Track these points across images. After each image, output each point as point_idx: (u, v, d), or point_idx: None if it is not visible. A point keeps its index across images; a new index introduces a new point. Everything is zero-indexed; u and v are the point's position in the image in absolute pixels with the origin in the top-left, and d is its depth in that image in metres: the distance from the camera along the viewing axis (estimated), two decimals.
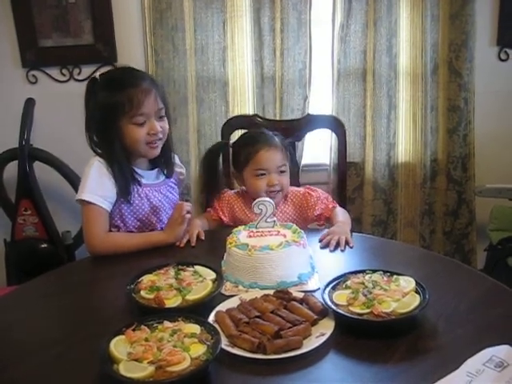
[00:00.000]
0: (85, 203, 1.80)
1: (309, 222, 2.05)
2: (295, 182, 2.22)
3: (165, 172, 1.99)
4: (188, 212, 1.81)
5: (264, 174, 1.96)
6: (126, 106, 1.78)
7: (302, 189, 2.08)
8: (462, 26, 2.77)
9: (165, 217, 1.95)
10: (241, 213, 2.04)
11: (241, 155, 2.02)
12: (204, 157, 2.14)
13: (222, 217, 2.05)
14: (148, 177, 1.94)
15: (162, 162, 1.98)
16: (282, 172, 1.98)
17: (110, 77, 1.91)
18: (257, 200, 1.64)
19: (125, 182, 1.85)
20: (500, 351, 1.11)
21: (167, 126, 1.89)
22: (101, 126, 1.84)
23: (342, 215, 1.98)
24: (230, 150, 2.13)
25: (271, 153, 1.97)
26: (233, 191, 2.14)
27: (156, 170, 1.97)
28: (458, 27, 2.77)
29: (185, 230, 1.84)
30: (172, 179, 2.03)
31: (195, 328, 1.19)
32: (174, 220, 1.81)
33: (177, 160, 2.07)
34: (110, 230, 1.89)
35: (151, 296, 1.37)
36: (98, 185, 1.81)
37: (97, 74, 1.89)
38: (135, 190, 1.88)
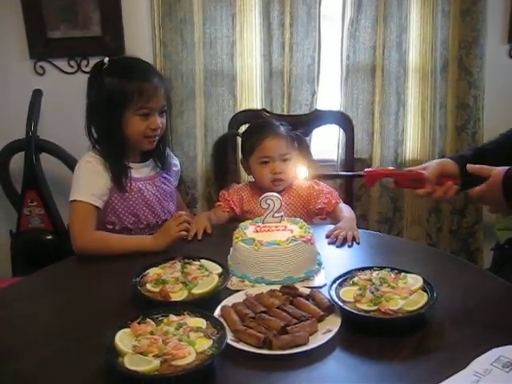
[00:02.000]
0: (74, 202, 1.80)
1: (312, 215, 2.06)
2: None
3: (159, 165, 1.99)
4: (186, 221, 1.77)
5: (268, 162, 2.01)
6: (136, 98, 1.79)
7: (308, 182, 2.08)
8: (472, 23, 2.74)
9: (160, 211, 1.95)
10: (249, 204, 2.06)
11: (247, 144, 2.09)
12: (213, 147, 2.22)
13: (234, 207, 2.07)
14: (140, 170, 1.94)
15: (156, 155, 1.98)
16: (286, 160, 2.02)
17: (121, 64, 1.90)
18: (264, 195, 1.64)
19: (119, 174, 1.85)
20: (508, 351, 1.11)
21: (165, 122, 1.91)
22: (104, 111, 1.83)
23: (347, 211, 1.98)
24: (239, 139, 2.20)
25: (276, 141, 2.02)
26: (240, 184, 2.18)
27: (148, 162, 1.98)
28: (469, 24, 2.74)
29: (192, 223, 1.83)
30: (166, 171, 2.04)
31: (201, 322, 1.18)
32: (168, 228, 1.75)
33: (171, 154, 2.09)
34: (106, 227, 1.88)
35: (157, 289, 1.37)
36: (88, 184, 1.81)
37: (105, 59, 1.87)
38: (128, 183, 1.88)
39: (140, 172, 1.93)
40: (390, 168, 1.90)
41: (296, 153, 2.08)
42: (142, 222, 1.91)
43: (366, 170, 1.62)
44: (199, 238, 1.80)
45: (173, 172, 2.09)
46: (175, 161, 2.13)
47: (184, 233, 1.76)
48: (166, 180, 2.01)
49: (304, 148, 2.18)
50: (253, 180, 2.15)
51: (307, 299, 1.33)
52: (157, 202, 1.94)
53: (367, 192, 2.95)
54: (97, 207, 1.81)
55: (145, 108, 1.82)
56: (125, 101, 1.80)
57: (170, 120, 1.99)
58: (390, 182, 1.68)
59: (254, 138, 2.05)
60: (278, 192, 1.87)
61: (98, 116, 1.85)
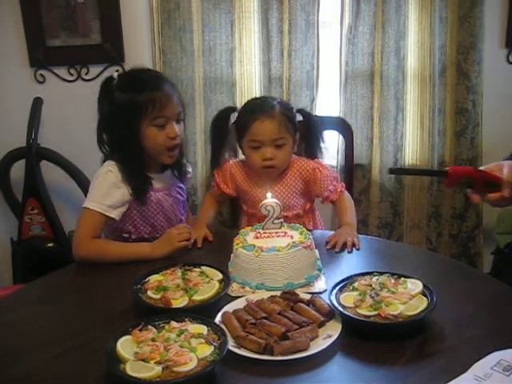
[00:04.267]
0: (85, 209, 1.77)
1: (314, 196, 2.02)
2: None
3: (177, 175, 1.97)
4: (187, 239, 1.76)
5: (259, 147, 1.88)
6: (149, 108, 1.76)
7: (311, 162, 1.98)
8: (470, 28, 2.75)
9: (175, 220, 1.93)
10: (243, 184, 2.00)
11: (239, 123, 1.96)
12: (212, 123, 2.04)
13: (225, 189, 2.02)
14: (159, 180, 1.90)
15: (175, 165, 1.95)
16: (279, 146, 1.88)
17: (130, 77, 1.87)
18: (264, 201, 1.64)
19: (141, 185, 1.82)
20: (508, 355, 1.11)
21: (183, 131, 1.88)
22: (119, 127, 1.80)
23: (349, 212, 1.94)
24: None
25: (267, 124, 1.86)
26: (236, 160, 2.09)
27: (166, 172, 1.95)
28: (467, 29, 2.75)
29: (192, 231, 1.84)
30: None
31: (202, 328, 1.19)
32: (170, 237, 1.74)
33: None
34: (122, 236, 1.88)
35: (158, 296, 1.37)
36: (104, 194, 1.78)
37: (114, 74, 1.85)
38: (148, 196, 1.85)
39: (160, 182, 1.90)
40: (471, 168, 1.72)
41: (296, 136, 1.95)
42: (158, 232, 1.88)
43: (449, 167, 1.52)
44: (199, 245, 1.80)
45: (187, 180, 2.07)
46: (189, 168, 2.09)
47: (186, 243, 1.75)
48: (180, 189, 1.99)
49: (312, 126, 2.01)
50: (243, 159, 2.05)
51: (308, 305, 1.33)
52: (173, 212, 1.93)
53: (367, 197, 2.96)
54: (111, 218, 1.78)
55: (160, 117, 1.78)
56: (138, 113, 1.76)
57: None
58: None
59: (246, 118, 1.91)
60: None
61: (113, 130, 1.83)
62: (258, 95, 2.81)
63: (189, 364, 1.07)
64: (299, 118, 2.01)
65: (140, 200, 1.82)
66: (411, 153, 2.95)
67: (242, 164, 2.04)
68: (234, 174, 2.02)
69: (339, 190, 1.97)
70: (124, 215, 1.84)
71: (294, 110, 1.99)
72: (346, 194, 2.00)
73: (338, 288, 1.36)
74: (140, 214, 1.87)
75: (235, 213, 2.31)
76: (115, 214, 1.79)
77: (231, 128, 2.05)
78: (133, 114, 1.76)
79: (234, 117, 2.04)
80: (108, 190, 1.78)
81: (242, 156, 2.10)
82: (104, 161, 1.86)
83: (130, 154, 1.81)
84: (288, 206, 1.96)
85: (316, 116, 2.07)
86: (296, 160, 1.99)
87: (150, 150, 1.83)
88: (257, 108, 1.92)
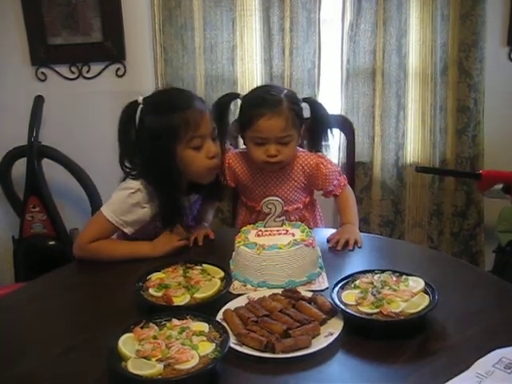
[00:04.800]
0: (100, 212, 1.73)
1: (315, 189, 2.00)
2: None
3: (214, 197, 1.93)
4: (187, 238, 1.76)
5: (263, 144, 1.83)
6: (182, 130, 1.66)
7: (314, 156, 1.95)
8: (472, 26, 2.75)
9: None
10: (243, 176, 1.98)
11: (243, 116, 1.87)
12: (212, 109, 1.86)
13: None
14: (184, 201, 1.84)
15: (209, 187, 1.84)
16: (284, 143, 1.83)
17: (158, 100, 1.76)
18: (265, 199, 1.64)
19: (172, 215, 1.75)
20: (510, 353, 1.11)
21: (219, 149, 1.76)
22: (153, 153, 1.68)
23: (351, 209, 1.93)
24: (239, 104, 1.96)
25: (273, 122, 1.79)
26: (236, 151, 2.04)
27: (193, 195, 1.88)
28: (469, 27, 2.75)
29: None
30: None
31: (203, 326, 1.19)
32: (170, 236, 1.73)
33: None
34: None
35: (160, 294, 1.37)
36: (126, 211, 1.71)
37: (139, 98, 1.73)
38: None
39: (186, 201, 1.84)
40: (508, 172, 1.55)
41: (301, 129, 1.89)
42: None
43: (482, 170, 1.42)
44: (200, 243, 1.79)
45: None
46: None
47: (185, 241, 1.75)
48: (197, 204, 1.97)
49: (319, 119, 1.93)
50: (244, 150, 1.99)
51: (309, 302, 1.33)
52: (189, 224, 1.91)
53: (368, 195, 2.96)
54: (124, 232, 1.75)
55: (195, 137, 1.68)
56: (173, 136, 1.66)
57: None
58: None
59: (251, 112, 1.82)
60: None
61: (146, 157, 1.71)
62: None
63: (190, 361, 1.07)
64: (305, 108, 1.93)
65: (165, 224, 1.76)
66: (413, 151, 2.94)
67: (242, 155, 1.98)
68: (233, 165, 1.98)
69: (343, 184, 1.96)
70: (140, 228, 1.79)
71: (301, 101, 1.91)
72: (349, 188, 1.99)
73: (339, 286, 1.36)
74: (154, 230, 1.81)
75: (236, 210, 2.31)
76: (129, 230, 1.75)
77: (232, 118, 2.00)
78: (167, 137, 1.66)
79: (234, 104, 1.98)
80: (130, 208, 1.72)
81: (241, 146, 2.05)
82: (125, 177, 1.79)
83: (167, 178, 1.70)
84: (290, 200, 1.95)
85: (324, 108, 1.97)
86: (299, 154, 1.95)
87: (191, 173, 1.75)
88: (263, 103, 1.82)
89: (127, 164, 1.77)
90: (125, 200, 1.73)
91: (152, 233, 1.79)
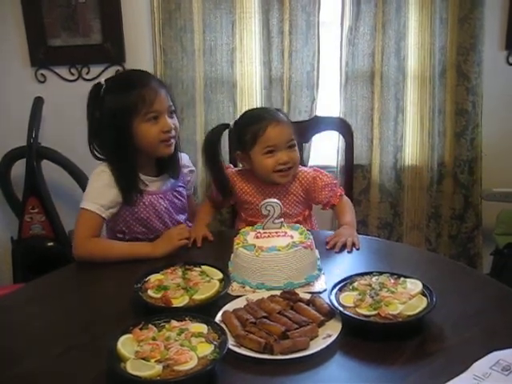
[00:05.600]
0: (82, 210, 1.79)
1: (314, 203, 2.03)
2: None
3: (171, 174, 1.96)
4: (186, 238, 1.78)
5: (273, 151, 1.87)
6: (139, 105, 1.76)
7: (311, 171, 2.00)
8: (470, 30, 2.76)
9: (170, 223, 1.93)
10: (244, 193, 1.99)
11: (247, 135, 1.91)
12: (204, 142, 1.98)
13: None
14: (154, 184, 1.91)
15: (170, 163, 1.94)
16: (291, 147, 1.90)
17: (117, 80, 1.89)
18: (264, 201, 1.64)
19: (129, 189, 1.82)
20: (507, 355, 1.12)
21: (177, 124, 1.87)
22: (111, 131, 1.79)
23: (348, 213, 1.95)
24: (234, 131, 2.00)
25: (279, 128, 1.88)
26: (235, 169, 2.09)
27: (163, 175, 1.94)
28: (467, 31, 2.76)
29: (191, 231, 1.84)
30: (180, 182, 2.00)
31: (202, 327, 1.19)
32: (170, 237, 1.76)
33: (186, 160, 2.05)
34: (116, 236, 1.89)
35: (158, 295, 1.37)
36: (99, 194, 1.80)
37: (102, 80, 1.85)
38: (139, 197, 1.85)
39: (153, 186, 1.90)
40: None
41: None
42: (152, 233, 1.90)
43: None
44: (198, 245, 1.80)
45: (186, 182, 2.05)
46: (192, 168, 2.09)
47: (186, 241, 1.77)
48: (178, 194, 1.99)
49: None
50: (245, 168, 2.03)
51: (307, 304, 1.34)
52: (168, 216, 1.93)
53: (367, 198, 2.97)
54: (102, 217, 1.79)
55: (151, 112, 1.78)
56: (130, 112, 1.77)
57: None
58: None
59: (255, 127, 1.88)
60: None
61: (104, 134, 1.82)
62: (258, 95, 2.82)
63: (189, 363, 1.07)
64: None
65: (126, 200, 1.83)
66: (411, 153, 2.95)
67: (242, 173, 2.03)
68: (233, 182, 2.00)
69: (339, 193, 1.98)
70: (117, 216, 1.85)
71: None
72: (346, 198, 2.01)
73: (337, 288, 1.37)
74: (132, 216, 1.87)
75: (235, 212, 2.31)
76: (106, 215, 1.80)
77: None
78: (124, 114, 1.77)
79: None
80: (101, 190, 1.80)
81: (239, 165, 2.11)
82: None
83: (123, 154, 1.81)
84: (290, 214, 1.96)
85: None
86: (297, 169, 1.98)
87: (145, 146, 1.82)
88: (264, 114, 1.93)
89: (96, 147, 1.86)
90: (94, 185, 1.83)
91: (130, 221, 1.87)
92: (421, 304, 1.27)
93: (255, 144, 1.88)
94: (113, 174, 1.81)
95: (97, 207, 1.78)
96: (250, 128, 1.90)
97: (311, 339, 1.21)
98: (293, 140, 1.90)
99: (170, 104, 1.85)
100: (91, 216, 1.78)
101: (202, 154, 2.03)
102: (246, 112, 2.10)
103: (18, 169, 2.85)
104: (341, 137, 2.62)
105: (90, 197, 1.80)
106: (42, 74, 2.88)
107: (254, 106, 2.82)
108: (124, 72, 1.92)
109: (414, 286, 1.34)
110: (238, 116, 2.69)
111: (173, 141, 1.85)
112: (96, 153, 1.87)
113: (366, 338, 1.22)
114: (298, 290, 1.42)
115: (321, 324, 1.26)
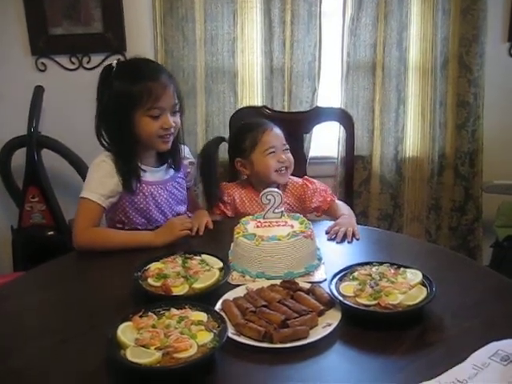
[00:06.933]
0: (82, 199, 1.80)
1: (307, 212, 2.04)
2: (303, 173, 2.21)
3: (172, 166, 1.96)
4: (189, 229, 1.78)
5: (273, 152, 1.99)
6: (144, 98, 1.75)
7: (300, 180, 2.09)
8: (473, 21, 2.75)
9: (170, 214, 1.93)
10: (243, 205, 2.04)
11: (246, 141, 2.02)
12: (201, 155, 2.06)
13: (225, 211, 2.04)
14: (154, 174, 1.91)
15: (170, 155, 1.94)
16: (286, 150, 2.02)
17: (128, 66, 1.87)
18: (265, 191, 1.65)
19: (129, 175, 1.83)
20: (506, 345, 1.12)
21: (179, 121, 1.87)
22: (114, 115, 1.79)
23: (345, 208, 1.99)
24: (231, 141, 2.11)
25: (275, 133, 2.02)
26: (232, 183, 2.13)
27: (164, 166, 1.95)
28: (470, 22, 2.75)
29: (193, 219, 1.85)
30: (180, 174, 2.00)
31: (202, 316, 1.19)
32: (172, 226, 1.76)
33: (187, 152, 2.05)
34: (116, 226, 1.89)
35: (158, 284, 1.37)
36: (98, 184, 1.80)
37: (113, 62, 1.84)
38: (139, 187, 1.85)
39: (154, 176, 1.90)
40: None
41: None
42: (152, 224, 1.90)
43: None
44: (201, 233, 1.80)
45: (187, 174, 2.06)
46: (192, 160, 2.08)
47: (188, 231, 1.77)
48: (178, 185, 1.98)
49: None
50: (244, 178, 2.13)
51: (307, 294, 1.34)
52: (168, 206, 1.93)
53: (367, 189, 2.97)
54: (102, 207, 1.80)
55: (155, 108, 1.77)
56: (133, 102, 1.76)
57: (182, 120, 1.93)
58: None
59: (253, 133, 2.01)
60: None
61: (109, 119, 1.82)
62: (259, 86, 2.82)
63: (189, 350, 1.08)
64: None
65: (126, 188, 1.83)
66: (412, 145, 2.95)
67: (240, 185, 2.09)
68: (232, 194, 2.05)
69: (329, 199, 2.02)
70: (117, 205, 1.85)
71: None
72: (340, 201, 2.05)
73: (337, 277, 1.37)
74: (132, 206, 1.87)
75: None
76: (106, 204, 1.81)
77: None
78: (128, 103, 1.76)
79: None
80: (102, 179, 1.80)
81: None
82: None
83: (123, 143, 1.82)
84: None
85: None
86: (288, 180, 2.07)
87: (143, 138, 1.82)
88: (260, 122, 2.08)
89: (103, 134, 1.86)
90: (94, 174, 1.83)
91: (129, 211, 1.87)
92: (420, 294, 1.27)
93: (256, 147, 2.00)
94: (113, 161, 1.82)
95: (97, 196, 1.78)
96: (247, 135, 2.03)
97: (311, 328, 1.21)
98: (286, 144, 2.03)
99: (176, 102, 1.84)
100: (91, 205, 1.78)
101: (197, 165, 2.06)
102: (241, 124, 2.18)
103: (19, 158, 2.84)
104: (342, 128, 2.62)
105: (91, 186, 1.80)
106: (43, 63, 2.87)
107: (255, 97, 2.83)
108: (136, 59, 1.88)
109: (414, 276, 1.34)
110: (239, 106, 2.73)
111: (171, 138, 1.86)
112: (102, 140, 1.86)
113: (365, 327, 1.22)
114: (298, 280, 1.43)
115: (321, 313, 1.27)
